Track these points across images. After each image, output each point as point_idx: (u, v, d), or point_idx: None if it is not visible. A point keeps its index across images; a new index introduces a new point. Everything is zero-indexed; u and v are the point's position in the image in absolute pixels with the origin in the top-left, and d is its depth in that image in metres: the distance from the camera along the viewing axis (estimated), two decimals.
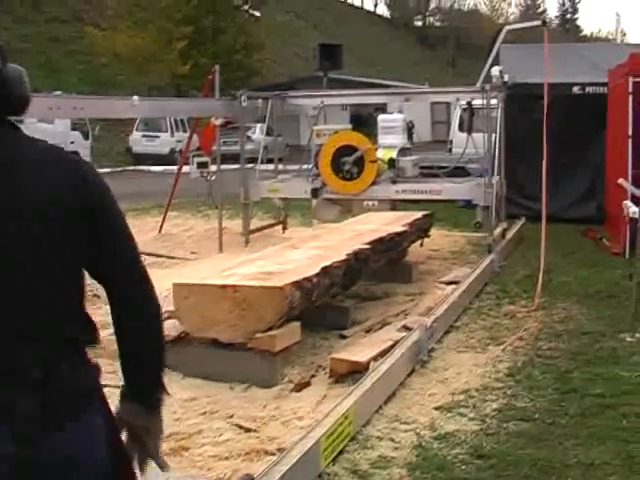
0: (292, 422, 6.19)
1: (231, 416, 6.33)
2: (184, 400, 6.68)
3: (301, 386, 6.96)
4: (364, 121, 25.45)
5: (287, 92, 14.74)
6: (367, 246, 9.14)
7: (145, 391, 2.95)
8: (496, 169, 13.21)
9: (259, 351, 6.97)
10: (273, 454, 5.48)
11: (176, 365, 7.29)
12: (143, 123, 34.81)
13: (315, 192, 13.21)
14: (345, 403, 5.84)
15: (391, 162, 13.22)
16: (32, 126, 32.73)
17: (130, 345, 2.93)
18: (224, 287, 7.17)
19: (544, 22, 14.99)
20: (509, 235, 13.52)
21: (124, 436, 2.94)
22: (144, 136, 34.03)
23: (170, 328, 7.42)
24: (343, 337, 8.33)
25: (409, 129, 14.24)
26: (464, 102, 14.28)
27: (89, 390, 2.80)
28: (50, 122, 33.24)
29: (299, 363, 7.48)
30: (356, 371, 6.91)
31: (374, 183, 13.04)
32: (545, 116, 11.02)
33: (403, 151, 13.76)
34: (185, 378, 7.17)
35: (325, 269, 7.97)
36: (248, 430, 6.05)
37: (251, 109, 13.68)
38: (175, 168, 12.17)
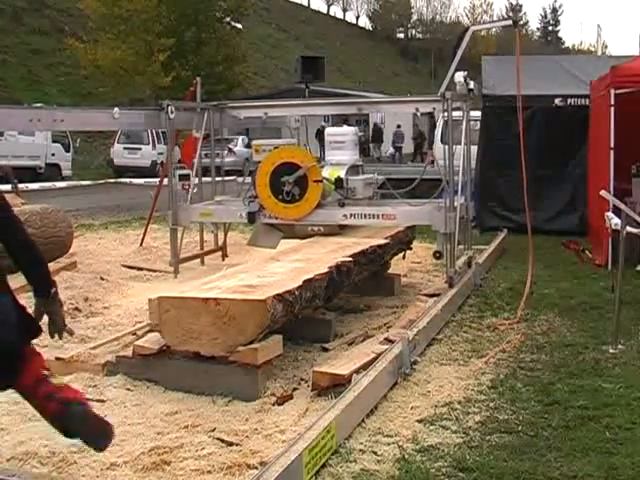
0: (274, 436, 6.17)
1: (213, 430, 6.31)
2: (165, 414, 6.67)
3: (283, 399, 6.94)
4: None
5: (226, 102, 13.32)
6: (349, 259, 9.13)
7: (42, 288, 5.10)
8: (461, 188, 11.26)
9: (241, 364, 6.95)
10: (255, 468, 5.48)
11: (158, 378, 7.30)
12: (125, 135, 34.82)
13: (252, 216, 11.46)
14: (327, 416, 5.82)
15: (338, 182, 11.29)
16: (12, 139, 32.78)
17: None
18: (206, 300, 7.14)
19: (515, 22, 13.19)
20: (491, 247, 13.47)
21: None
22: (125, 148, 34.05)
23: (152, 341, 7.41)
24: (325, 350, 8.31)
25: (363, 142, 12.99)
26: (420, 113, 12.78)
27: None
28: (31, 134, 33.13)
29: (281, 376, 7.46)
30: (338, 384, 6.89)
31: (319, 206, 11.18)
32: (521, 126, 10.99)
33: (353, 169, 11.81)
34: (167, 392, 7.16)
35: (307, 282, 7.95)
36: (230, 444, 6.03)
37: (182, 121, 12.54)
38: (156, 181, 12.13)
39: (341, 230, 11.39)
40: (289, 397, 7.00)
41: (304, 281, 7.91)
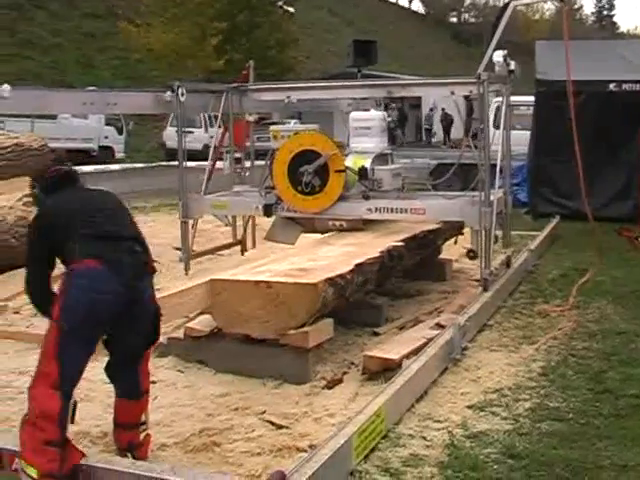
0: (324, 419, 6.19)
1: (263, 412, 6.34)
2: (216, 396, 6.72)
3: (333, 383, 6.96)
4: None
5: (246, 85, 11.86)
6: (401, 243, 9.11)
7: None
8: (498, 180, 10.14)
9: (292, 347, 6.97)
10: (304, 451, 5.51)
11: (208, 360, 7.34)
12: (177, 119, 34.87)
13: (268, 209, 10.31)
14: (377, 401, 5.83)
15: (363, 172, 10.05)
16: (66, 121, 33.09)
17: None
18: (257, 283, 7.17)
19: None
20: (544, 234, 13.33)
21: None
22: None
23: (203, 324, 7.46)
24: (376, 334, 8.31)
25: (392, 129, 11.51)
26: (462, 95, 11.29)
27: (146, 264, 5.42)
28: (84, 117, 33.43)
29: (331, 360, 7.48)
30: (389, 369, 6.90)
31: (341, 198, 9.95)
32: (572, 111, 10.80)
33: (380, 158, 10.55)
34: (217, 374, 7.21)
35: (359, 266, 7.95)
36: (280, 426, 6.06)
37: (196, 104, 11.75)
38: (207, 163, 12.12)
39: (365, 225, 10.20)
40: (339, 381, 7.01)
41: (356, 265, 7.90)
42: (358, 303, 8.36)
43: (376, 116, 10.83)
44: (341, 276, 7.56)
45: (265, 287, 7.11)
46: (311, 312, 7.08)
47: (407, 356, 7.04)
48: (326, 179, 9.81)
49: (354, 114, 11.02)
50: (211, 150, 11.71)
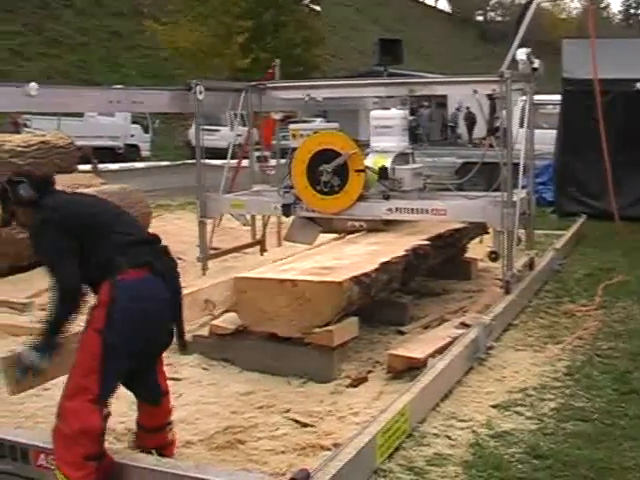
0: (348, 418, 6.20)
1: (287, 410, 6.35)
2: (241, 394, 6.74)
3: (358, 382, 6.96)
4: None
5: (265, 83, 11.74)
6: (426, 242, 9.10)
7: None
8: (522, 180, 9.91)
9: (317, 346, 6.98)
10: (329, 449, 5.51)
11: (233, 358, 7.36)
12: (203, 117, 34.94)
13: (287, 209, 10.09)
14: (402, 399, 5.82)
15: (383, 171, 9.82)
16: (92, 119, 33.24)
17: None
18: (282, 281, 7.18)
19: None
20: (569, 233, 13.27)
21: None
22: (204, 130, 34.12)
23: (228, 321, 7.47)
24: (401, 333, 8.31)
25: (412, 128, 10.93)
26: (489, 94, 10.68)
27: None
28: (110, 115, 33.57)
29: (356, 358, 7.48)
30: (413, 367, 6.90)
31: (360, 198, 9.68)
32: (599, 110, 10.71)
33: (401, 157, 10.29)
34: (242, 372, 7.24)
35: (384, 264, 7.95)
36: (304, 425, 6.07)
37: (214, 102, 11.43)
38: (234, 162, 12.12)
39: (386, 226, 10.11)
40: (364, 379, 7.01)
41: (381, 264, 7.91)
42: (383, 302, 8.37)
43: (397, 115, 10.58)
44: (366, 274, 7.56)
45: (290, 285, 7.12)
46: (336, 310, 7.08)
47: (432, 355, 7.03)
48: (346, 179, 9.60)
49: (374, 113, 10.84)
50: (229, 148, 11.53)
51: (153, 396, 5.36)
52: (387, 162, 10.00)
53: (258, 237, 11.91)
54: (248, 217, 11.47)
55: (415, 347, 7.33)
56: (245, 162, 11.70)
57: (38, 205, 5.12)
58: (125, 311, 4.83)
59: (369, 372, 7.21)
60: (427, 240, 9.17)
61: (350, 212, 9.80)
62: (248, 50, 42.24)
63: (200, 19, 43.32)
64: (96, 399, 4.75)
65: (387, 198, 9.78)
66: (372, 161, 10.10)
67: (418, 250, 8.82)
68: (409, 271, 8.62)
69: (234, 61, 41.92)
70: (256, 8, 44.72)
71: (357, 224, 10.14)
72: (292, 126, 10.51)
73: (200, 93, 10.44)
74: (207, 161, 11.14)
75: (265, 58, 36.12)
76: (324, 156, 9.60)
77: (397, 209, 9.63)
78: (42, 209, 5.09)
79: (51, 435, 4.80)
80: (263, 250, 11.94)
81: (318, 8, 53.21)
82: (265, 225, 11.81)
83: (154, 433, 5.40)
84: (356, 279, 7.37)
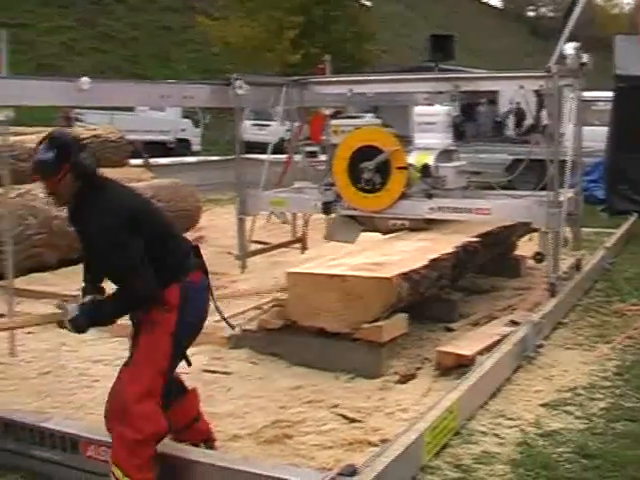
0: (396, 414, 6.20)
1: (335, 406, 6.36)
2: (289, 388, 6.75)
3: (406, 378, 6.95)
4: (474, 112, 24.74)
5: (307, 77, 11.58)
6: (476, 239, 9.07)
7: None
8: (568, 178, 9.45)
9: (365, 342, 6.98)
10: (376, 445, 5.51)
11: (282, 353, 7.37)
12: (253, 112, 35.09)
13: (327, 207, 9.91)
14: (450, 397, 5.82)
15: (425, 169, 9.62)
16: (143, 114, 33.42)
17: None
18: (332, 277, 7.19)
19: None
20: (620, 232, 13.14)
21: None
22: (254, 125, 34.31)
23: (278, 316, 7.49)
24: (450, 330, 8.29)
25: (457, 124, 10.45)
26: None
27: None
28: (161, 110, 33.73)
29: (405, 355, 7.47)
30: (462, 365, 6.87)
31: (402, 197, 9.48)
32: None
33: (444, 155, 9.98)
34: (290, 366, 7.25)
35: (433, 261, 7.94)
36: (352, 420, 6.07)
37: (255, 98, 11.17)
38: (284, 157, 12.13)
39: (428, 225, 9.88)
40: (412, 376, 7.01)
41: (430, 260, 7.89)
42: (432, 298, 8.35)
43: (441, 111, 10.27)
44: (416, 271, 7.56)
45: (340, 281, 7.13)
46: (385, 306, 7.08)
47: (481, 352, 7.00)
48: (387, 176, 9.40)
49: (418, 109, 10.62)
50: (270, 145, 11.55)
51: (178, 388, 5.35)
52: (430, 159, 9.76)
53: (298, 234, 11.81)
54: (288, 215, 11.39)
55: (464, 344, 7.31)
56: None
57: (93, 187, 4.85)
58: (192, 313, 4.92)
59: (418, 369, 7.20)
60: (477, 237, 9.14)
61: (392, 211, 9.63)
62: (299, 45, 42.22)
63: (251, 14, 43.38)
64: (161, 400, 4.83)
65: (429, 197, 9.55)
66: (415, 158, 9.83)
67: (467, 247, 8.80)
68: (458, 268, 8.60)
69: (284, 56, 41.92)
70: (307, 3, 44.72)
71: (399, 223, 9.97)
72: (333, 122, 10.35)
73: (240, 88, 10.30)
74: (256, 156, 11.17)
75: (315, 53, 36.09)
76: (366, 153, 9.45)
77: (440, 208, 9.43)
78: (106, 198, 4.83)
79: (114, 441, 4.75)
80: (304, 248, 11.83)
81: (369, 3, 53.12)
82: (306, 223, 11.74)
83: (191, 426, 5.39)
84: (406, 275, 7.37)
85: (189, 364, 5.13)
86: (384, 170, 9.40)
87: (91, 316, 4.87)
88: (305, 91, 11.34)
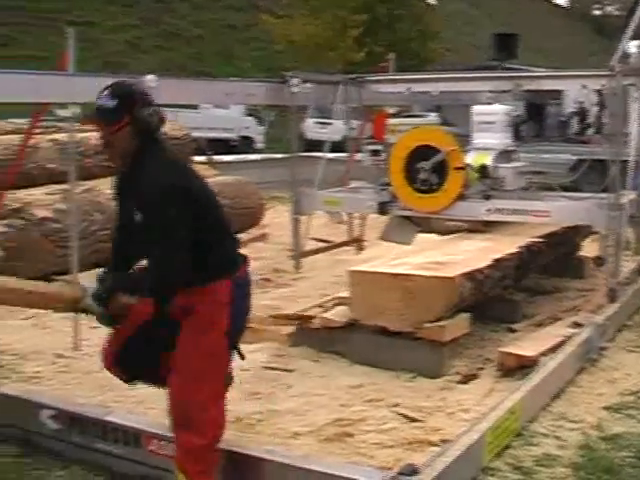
0: (457, 414, 6.16)
1: (396, 405, 6.34)
2: (350, 387, 6.74)
3: (468, 378, 6.92)
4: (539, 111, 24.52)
5: (364, 75, 11.47)
6: (540, 239, 9.00)
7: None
8: (630, 179, 9.23)
9: (427, 341, 6.95)
10: (437, 445, 5.48)
11: (343, 351, 7.38)
12: (316, 110, 35.19)
13: (383, 207, 9.71)
14: (512, 397, 5.79)
15: (483, 170, 9.40)
16: (207, 111, 33.63)
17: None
18: (395, 276, 7.18)
19: None
20: None
21: None
22: (317, 123, 34.35)
23: (339, 314, 7.50)
24: (512, 331, 8.22)
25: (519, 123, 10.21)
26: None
27: None
28: (225, 107, 33.92)
29: (467, 355, 7.43)
30: (524, 366, 6.81)
31: (460, 198, 9.28)
32: None
33: (503, 155, 9.74)
34: (352, 365, 7.24)
35: (497, 261, 7.89)
36: (413, 420, 6.05)
37: (312, 96, 11.07)
38: (345, 155, 12.14)
39: (486, 227, 9.70)
40: (474, 376, 6.97)
41: (494, 260, 7.85)
42: (495, 298, 8.30)
43: (500, 110, 10.00)
44: (479, 271, 7.52)
45: (403, 280, 7.11)
46: (448, 306, 7.06)
47: (544, 354, 6.94)
48: (444, 177, 9.19)
49: (476, 108, 10.27)
50: (327, 143, 11.54)
51: None
52: (488, 160, 9.54)
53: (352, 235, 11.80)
54: (344, 215, 11.30)
55: (527, 345, 7.25)
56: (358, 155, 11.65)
57: (153, 149, 4.55)
58: (242, 309, 4.74)
59: (479, 369, 7.16)
60: (541, 237, 9.07)
61: (448, 212, 9.41)
62: (362, 44, 42.23)
63: (315, 12, 43.47)
64: (223, 401, 4.75)
65: (487, 198, 9.32)
66: (473, 159, 9.61)
67: (531, 247, 8.74)
68: (522, 268, 8.55)
69: (348, 55, 41.94)
70: (371, 2, 44.70)
71: (456, 224, 9.83)
72: (390, 121, 10.16)
73: (295, 86, 10.30)
74: (317, 154, 11.18)
75: (379, 52, 36.07)
76: (422, 153, 9.25)
77: (497, 210, 9.20)
78: (168, 163, 4.57)
79: (178, 448, 4.64)
80: (360, 249, 11.75)
81: (433, 1, 53.02)
82: (363, 223, 11.68)
83: None
84: (469, 275, 7.34)
85: (243, 357, 4.94)
86: (441, 170, 9.21)
87: (117, 286, 4.60)
88: (363, 89, 11.28)
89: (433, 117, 36.96)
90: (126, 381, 5.10)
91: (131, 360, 4.84)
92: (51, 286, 4.49)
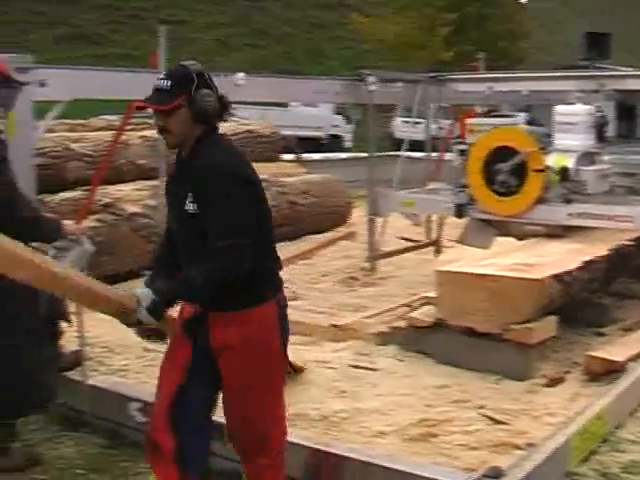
0: (543, 417, 6.11)
1: (482, 406, 6.31)
2: (435, 387, 6.73)
3: (555, 382, 6.85)
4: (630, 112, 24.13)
5: (444, 74, 11.34)
6: (630, 242, 8.87)
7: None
8: None
9: (514, 343, 6.90)
10: (522, 448, 5.43)
11: (430, 351, 7.36)
12: (405, 109, 35.14)
13: (460, 209, 9.41)
14: (599, 402, 5.74)
15: (564, 172, 8.91)
16: (296, 109, 33.78)
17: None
18: (483, 276, 7.13)
19: None
20: None
21: None
22: (405, 122, 34.29)
23: (426, 314, 7.49)
24: (600, 335, 8.11)
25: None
26: None
27: None
28: (314, 106, 34.02)
29: (553, 358, 7.36)
30: (612, 371, 6.73)
31: (539, 201, 8.89)
32: None
33: (586, 157, 9.21)
34: (437, 365, 7.22)
35: (586, 263, 7.80)
36: (498, 422, 6.02)
37: (389, 95, 11.08)
38: (436, 155, 12.10)
39: (565, 232, 9.29)
40: (561, 380, 6.90)
41: (583, 262, 7.76)
42: (583, 301, 8.21)
43: (583, 111, 9.43)
44: (568, 273, 7.44)
45: (491, 281, 7.07)
46: (536, 308, 7.00)
47: (633, 359, 6.86)
48: (524, 179, 8.83)
49: (558, 108, 9.67)
50: (405, 142, 11.42)
51: None
52: (569, 162, 9.04)
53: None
54: (422, 217, 11.13)
55: (615, 350, 7.16)
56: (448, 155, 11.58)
57: (212, 135, 4.18)
58: (286, 331, 4.28)
59: (566, 372, 7.09)
60: (631, 240, 8.94)
61: (528, 215, 9.04)
62: (451, 43, 42.07)
63: (403, 11, 43.42)
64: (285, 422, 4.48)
65: (568, 202, 8.89)
66: (553, 160, 9.13)
67: (621, 250, 8.62)
68: (611, 271, 8.43)
69: (437, 54, 41.81)
70: (460, 1, 44.51)
71: (535, 228, 9.46)
72: (469, 121, 9.95)
73: (372, 84, 10.18)
74: (408, 154, 11.17)
75: (468, 51, 35.89)
76: (501, 154, 8.93)
77: (579, 214, 8.78)
78: (230, 151, 4.20)
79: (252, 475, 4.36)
80: (438, 251, 11.61)
81: (523, 0, 52.56)
82: (441, 225, 11.58)
83: None
84: (557, 277, 7.26)
85: (296, 370, 4.82)
86: (520, 172, 8.86)
87: (175, 295, 4.06)
88: (443, 88, 11.17)
89: (521, 118, 36.68)
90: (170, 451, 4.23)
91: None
92: (114, 292, 4.04)
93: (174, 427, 4.14)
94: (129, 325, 4.12)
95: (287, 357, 4.35)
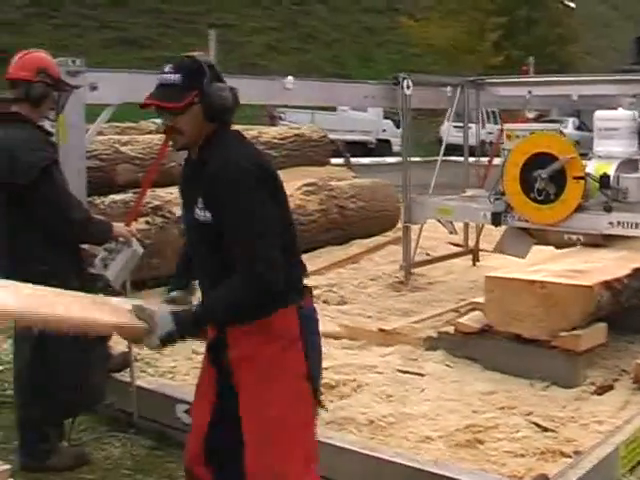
0: (591, 425, 6.05)
1: (529, 413, 6.27)
2: (482, 393, 6.69)
3: (603, 389, 6.80)
4: None
5: (483, 78, 11.24)
6: None
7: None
8: None
9: (563, 350, 6.85)
10: (569, 456, 5.39)
11: (477, 357, 7.34)
12: (455, 114, 34.95)
13: (496, 217, 9.11)
14: None
15: (604, 180, 8.57)
16: (344, 114, 33.84)
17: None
18: (532, 282, 7.09)
19: None
20: None
21: None
22: (455, 127, 34.04)
23: (474, 320, 7.46)
24: None
25: None
26: None
27: None
28: (363, 110, 34.07)
29: (602, 365, 7.29)
30: None
31: (579, 209, 8.60)
32: None
33: (628, 164, 8.95)
34: (485, 371, 7.18)
35: (635, 271, 7.73)
36: (546, 429, 5.98)
37: (425, 98, 10.92)
38: (485, 160, 12.06)
39: (605, 241, 8.85)
40: (609, 387, 6.85)
41: (633, 269, 7.69)
42: (633, 309, 8.13)
43: (624, 116, 9.24)
44: (618, 280, 7.37)
45: (539, 287, 7.02)
46: (585, 315, 6.95)
47: None
48: (562, 186, 8.58)
49: (599, 113, 9.46)
50: (443, 146, 11.53)
51: None
52: (610, 169, 8.78)
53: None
54: (458, 225, 10.99)
55: None
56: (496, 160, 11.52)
57: (225, 132, 3.82)
58: (315, 346, 3.87)
59: (615, 380, 7.02)
60: None
61: (566, 224, 8.77)
62: (500, 48, 41.96)
63: (453, 15, 43.37)
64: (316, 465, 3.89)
65: (609, 210, 8.58)
66: (593, 167, 8.91)
67: None
68: None
69: (486, 58, 41.71)
70: (509, 5, 44.38)
71: (574, 237, 9.00)
72: (507, 126, 9.83)
73: (408, 88, 10.01)
74: (455, 158, 11.15)
75: (517, 55, 35.80)
76: (540, 160, 8.66)
77: (619, 223, 8.51)
78: (245, 148, 3.83)
79: None
80: (475, 260, 11.52)
81: (572, 5, 52.26)
82: (479, 233, 11.45)
83: None
84: (607, 284, 7.20)
85: (325, 409, 4.45)
86: (559, 180, 8.61)
87: (195, 322, 3.65)
88: (482, 92, 11.08)
89: (570, 123, 36.49)
90: None
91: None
92: (129, 317, 3.55)
93: (211, 461, 3.90)
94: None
95: (318, 386, 3.91)
